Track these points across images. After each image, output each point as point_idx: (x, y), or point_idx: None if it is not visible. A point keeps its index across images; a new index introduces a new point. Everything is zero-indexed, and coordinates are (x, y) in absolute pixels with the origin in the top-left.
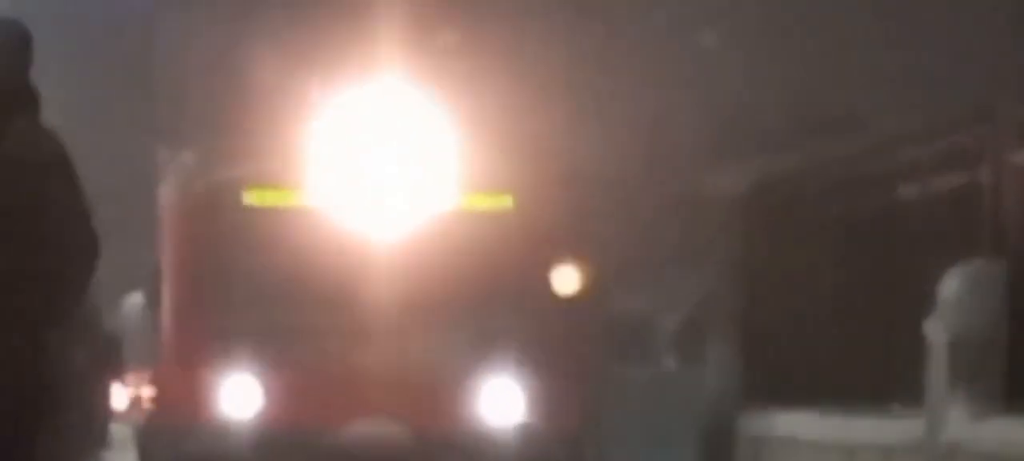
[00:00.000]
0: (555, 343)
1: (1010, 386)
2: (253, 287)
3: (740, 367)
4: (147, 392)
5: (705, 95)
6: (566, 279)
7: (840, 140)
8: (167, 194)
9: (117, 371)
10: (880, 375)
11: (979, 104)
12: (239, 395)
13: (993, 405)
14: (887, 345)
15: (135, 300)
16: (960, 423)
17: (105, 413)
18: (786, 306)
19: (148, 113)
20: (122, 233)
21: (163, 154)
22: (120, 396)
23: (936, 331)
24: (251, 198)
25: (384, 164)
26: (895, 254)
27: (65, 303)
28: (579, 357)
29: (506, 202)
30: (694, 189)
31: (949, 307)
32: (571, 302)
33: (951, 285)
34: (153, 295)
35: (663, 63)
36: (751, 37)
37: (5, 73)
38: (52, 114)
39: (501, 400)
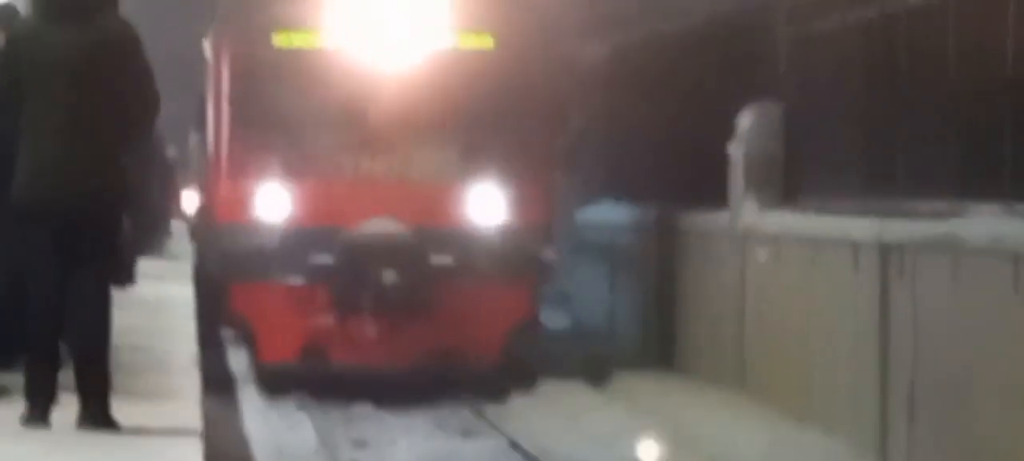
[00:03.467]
0: (527, 156)
1: (785, 190)
2: (281, 113)
3: (600, 177)
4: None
5: None
6: (535, 105)
7: (667, 23)
8: (210, 38)
9: (175, 185)
10: (699, 183)
11: (763, 4)
12: (270, 200)
13: (773, 202)
14: (705, 163)
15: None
16: (751, 214)
17: (168, 213)
18: (632, 135)
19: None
20: (190, 88)
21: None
22: (190, 202)
23: (736, 152)
24: (279, 40)
25: (388, 10)
26: (708, 97)
27: (137, 138)
28: (547, 167)
29: (487, 42)
30: (574, 54)
31: (744, 135)
32: (539, 123)
33: (746, 120)
34: (200, 121)
35: None
36: None
37: None
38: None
39: (484, 202)
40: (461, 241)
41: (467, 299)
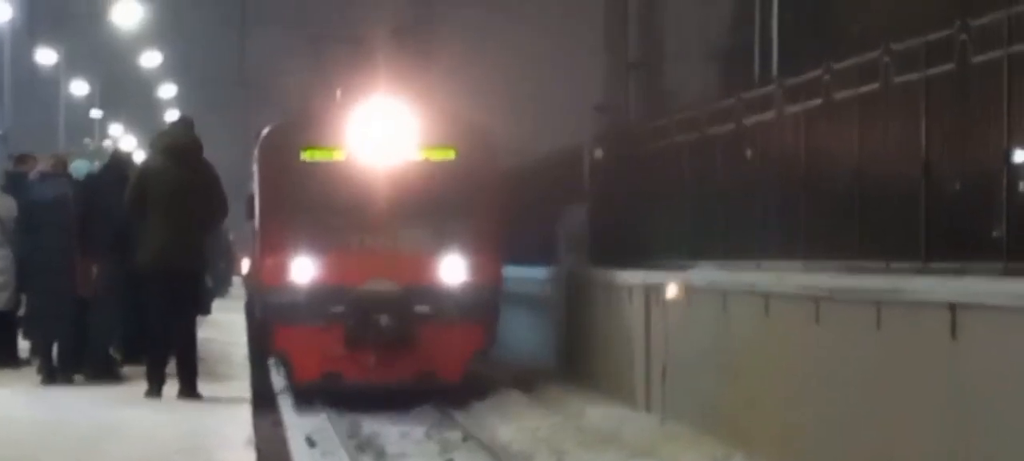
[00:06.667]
0: (482, 235)
1: (591, 256)
2: (306, 205)
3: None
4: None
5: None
6: (484, 197)
7: (530, 153)
8: (257, 153)
9: (234, 256)
10: (546, 246)
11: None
12: (298, 266)
13: (584, 261)
14: (548, 235)
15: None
16: (573, 267)
17: (230, 273)
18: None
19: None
20: (242, 192)
21: (256, 131)
22: (243, 266)
23: (562, 231)
24: (305, 155)
25: (380, 134)
26: (551, 197)
27: (211, 228)
28: (497, 242)
29: (451, 153)
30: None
31: (567, 220)
32: (487, 210)
33: (569, 213)
34: (248, 211)
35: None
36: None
37: (191, 135)
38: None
39: (451, 267)
40: (435, 295)
41: (439, 335)
